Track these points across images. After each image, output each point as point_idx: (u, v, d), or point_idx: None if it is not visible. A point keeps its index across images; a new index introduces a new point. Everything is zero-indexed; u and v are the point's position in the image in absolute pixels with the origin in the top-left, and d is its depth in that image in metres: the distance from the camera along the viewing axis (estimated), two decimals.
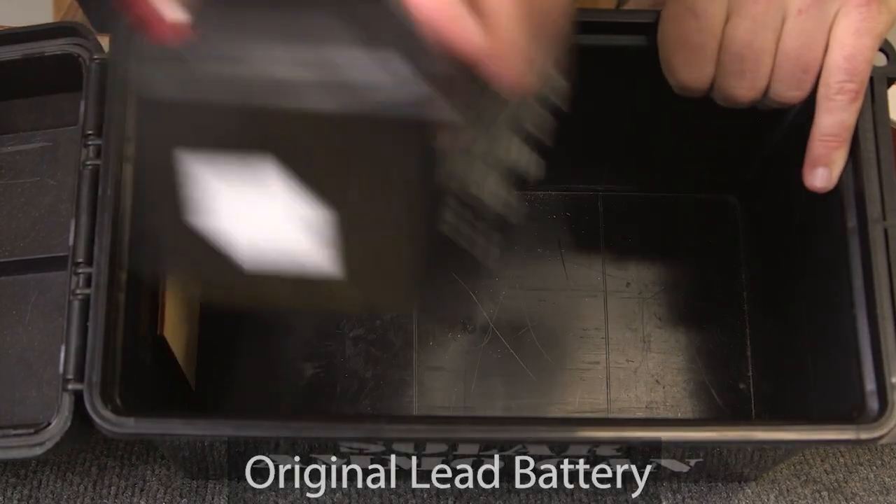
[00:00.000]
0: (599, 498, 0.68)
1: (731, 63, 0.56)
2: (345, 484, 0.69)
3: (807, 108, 0.61)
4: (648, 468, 0.65)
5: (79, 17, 0.85)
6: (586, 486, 0.69)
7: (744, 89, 0.57)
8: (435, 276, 0.72)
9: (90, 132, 0.58)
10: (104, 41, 0.60)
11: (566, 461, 0.64)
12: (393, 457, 0.63)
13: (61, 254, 0.59)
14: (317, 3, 0.45)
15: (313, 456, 0.63)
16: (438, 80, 0.44)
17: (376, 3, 0.44)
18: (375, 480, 0.68)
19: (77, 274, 0.56)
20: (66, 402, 0.54)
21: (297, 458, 0.64)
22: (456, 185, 0.53)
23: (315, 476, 0.68)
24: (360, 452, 0.61)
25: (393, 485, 0.68)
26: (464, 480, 0.68)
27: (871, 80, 0.61)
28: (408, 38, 0.44)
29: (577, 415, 0.71)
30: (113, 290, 0.56)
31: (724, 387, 0.72)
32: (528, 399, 0.71)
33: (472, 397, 0.71)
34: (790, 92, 0.57)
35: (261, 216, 0.47)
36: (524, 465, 0.65)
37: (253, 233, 0.48)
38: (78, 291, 0.56)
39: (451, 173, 0.52)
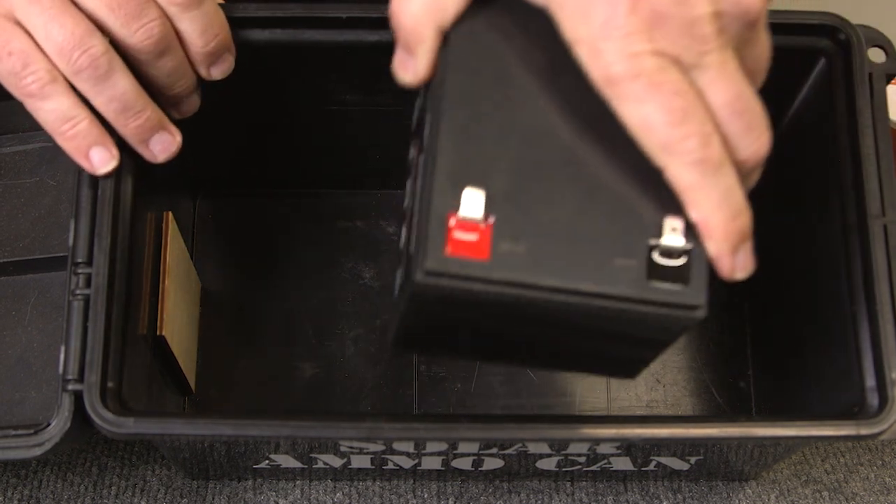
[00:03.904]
0: (600, 497, 0.68)
1: None
2: (345, 484, 0.69)
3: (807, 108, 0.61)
4: (649, 466, 0.66)
5: None
6: (586, 485, 0.69)
7: None
8: None
9: None
10: None
11: (566, 460, 0.64)
12: (393, 456, 0.63)
13: (61, 254, 0.59)
14: None
15: (313, 456, 0.63)
16: None
17: None
18: (375, 480, 0.68)
19: (77, 274, 0.56)
20: (66, 402, 0.54)
21: (297, 458, 0.64)
22: None
23: (315, 476, 0.68)
24: (361, 452, 0.61)
25: (393, 485, 0.69)
26: (464, 480, 0.68)
27: (871, 76, 0.61)
28: None
29: (577, 412, 0.71)
30: (112, 291, 0.56)
31: (724, 385, 0.72)
32: (527, 399, 0.71)
33: (472, 397, 0.71)
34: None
35: None
36: (524, 463, 0.65)
37: None
38: (78, 292, 0.55)
39: None
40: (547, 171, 0.47)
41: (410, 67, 0.50)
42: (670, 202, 0.47)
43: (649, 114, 0.45)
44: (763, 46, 0.49)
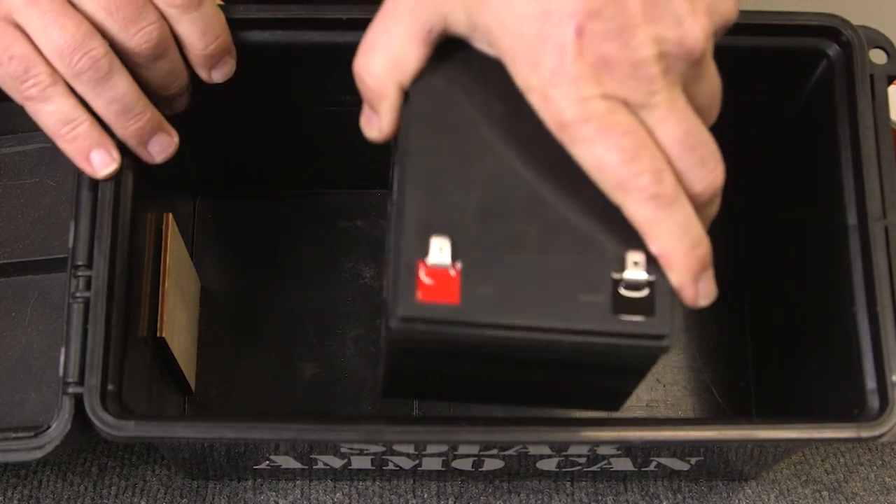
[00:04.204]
0: (599, 497, 0.68)
1: None
2: (345, 484, 0.69)
3: (808, 110, 0.61)
4: (649, 466, 0.66)
5: None
6: (586, 485, 0.69)
7: None
8: None
9: None
10: None
11: (566, 460, 0.64)
12: (393, 457, 0.63)
13: (61, 255, 0.59)
14: None
15: (314, 457, 0.63)
16: None
17: None
18: (375, 480, 0.69)
19: (77, 277, 0.56)
20: (67, 405, 0.54)
21: (297, 459, 0.64)
22: None
23: (315, 476, 0.68)
24: (361, 453, 0.61)
25: (393, 485, 0.69)
26: (464, 480, 0.68)
27: (872, 77, 0.61)
28: None
29: (577, 415, 0.71)
30: (112, 293, 0.56)
31: (724, 385, 0.72)
32: None
33: None
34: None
35: None
36: (524, 464, 0.65)
37: None
38: (78, 294, 0.55)
39: None
40: (510, 215, 0.49)
41: (375, 124, 0.52)
42: (631, 236, 0.48)
43: (602, 155, 0.47)
44: (711, 81, 0.50)
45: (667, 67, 0.47)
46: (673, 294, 0.49)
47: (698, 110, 0.49)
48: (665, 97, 0.47)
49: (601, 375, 0.52)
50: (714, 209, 0.51)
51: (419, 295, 0.47)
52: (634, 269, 0.48)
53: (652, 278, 0.48)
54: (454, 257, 0.48)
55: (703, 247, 0.49)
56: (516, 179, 0.49)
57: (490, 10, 0.48)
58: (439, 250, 0.48)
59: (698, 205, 0.49)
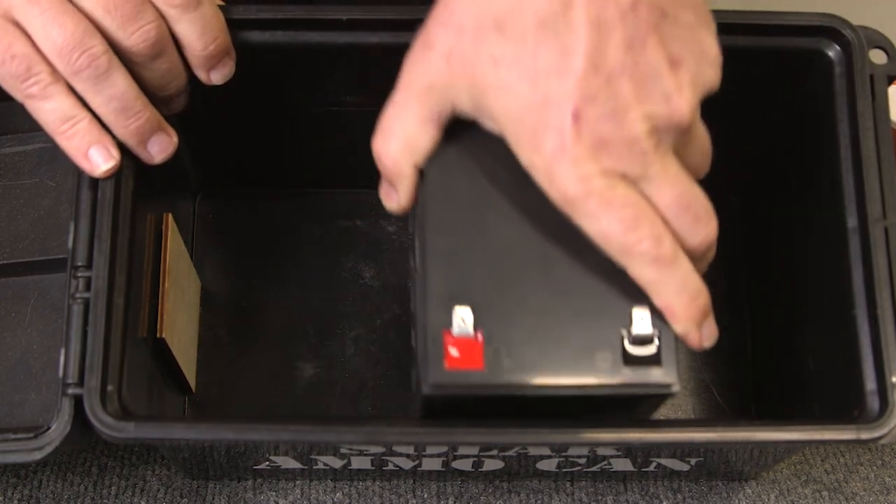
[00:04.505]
0: (599, 497, 0.68)
1: None
2: (345, 484, 0.69)
3: (808, 110, 0.61)
4: (649, 466, 0.66)
5: None
6: (586, 485, 0.69)
7: None
8: None
9: None
10: None
11: (566, 461, 0.64)
12: (393, 457, 0.63)
13: (60, 256, 0.59)
14: None
15: (313, 457, 0.63)
16: None
17: None
18: (375, 480, 0.69)
19: (76, 277, 0.56)
20: (66, 406, 0.54)
21: (297, 459, 0.64)
22: None
23: (315, 476, 0.68)
24: (361, 453, 0.61)
25: (393, 485, 0.69)
26: (464, 480, 0.68)
27: (872, 78, 0.61)
28: None
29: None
30: (112, 294, 0.56)
31: (724, 385, 0.72)
32: None
33: None
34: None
35: None
36: (524, 464, 0.65)
37: None
38: (77, 295, 0.55)
39: None
40: (525, 281, 0.53)
41: (394, 199, 0.56)
42: (636, 293, 0.52)
43: (605, 226, 0.51)
44: (700, 142, 0.54)
45: (658, 141, 0.51)
46: (677, 342, 0.53)
47: (690, 168, 0.53)
48: (659, 167, 0.51)
49: (616, 409, 0.57)
50: (710, 256, 0.54)
51: (447, 364, 0.52)
52: (640, 323, 0.53)
53: (657, 332, 0.53)
54: (476, 325, 0.52)
55: (703, 297, 0.53)
56: (527, 247, 0.54)
57: (492, 97, 0.52)
58: (462, 321, 0.52)
59: (695, 256, 0.53)
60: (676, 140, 0.52)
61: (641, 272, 0.52)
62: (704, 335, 0.54)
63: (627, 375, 0.52)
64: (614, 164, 0.50)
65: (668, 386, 0.53)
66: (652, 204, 0.51)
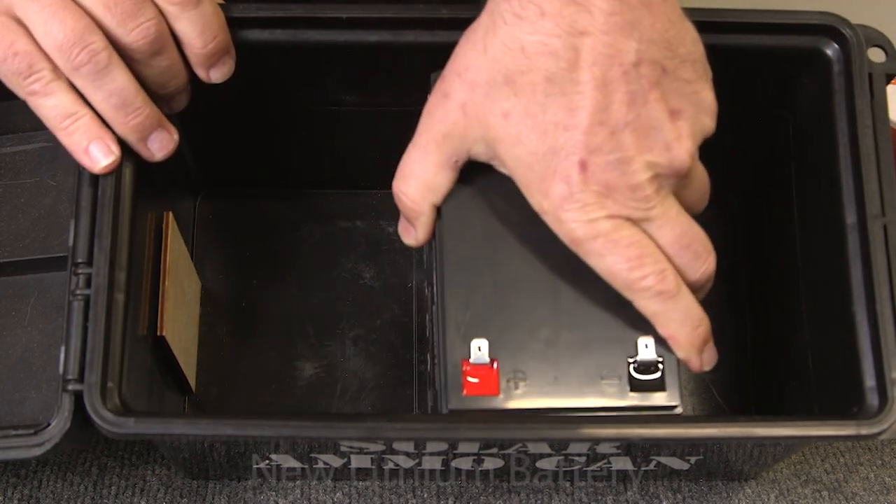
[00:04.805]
0: (599, 497, 0.68)
1: None
2: (345, 483, 0.69)
3: (807, 108, 0.61)
4: (649, 466, 0.66)
5: None
6: (586, 485, 0.69)
7: None
8: None
9: None
10: None
11: (566, 459, 0.64)
12: (393, 456, 0.63)
13: (61, 254, 0.59)
14: None
15: (313, 456, 0.63)
16: None
17: None
18: (375, 479, 0.68)
19: (77, 275, 0.56)
20: (66, 402, 0.54)
21: (297, 458, 0.64)
22: None
23: (315, 476, 0.68)
24: (361, 452, 0.61)
25: (393, 484, 0.69)
26: (464, 479, 0.68)
27: (871, 76, 0.61)
28: None
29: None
30: (112, 291, 0.56)
31: (724, 385, 0.72)
32: None
33: None
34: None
35: None
36: (524, 463, 0.65)
37: None
38: (78, 292, 0.56)
39: None
40: (537, 313, 0.57)
41: (412, 234, 0.60)
42: (639, 323, 0.57)
43: (612, 264, 0.55)
44: (698, 183, 0.58)
45: (659, 186, 0.55)
46: (679, 369, 0.57)
47: (690, 206, 0.57)
48: (660, 210, 0.55)
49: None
50: (709, 286, 0.58)
51: (465, 391, 0.56)
52: (645, 351, 0.57)
53: (661, 358, 0.57)
54: (492, 354, 0.56)
55: (704, 326, 0.57)
56: (538, 281, 0.58)
57: (504, 147, 0.55)
58: (478, 350, 0.56)
59: (696, 288, 0.57)
60: (676, 183, 0.56)
61: (646, 305, 0.56)
62: (705, 360, 0.58)
63: (633, 399, 0.57)
64: (619, 208, 0.54)
65: (672, 408, 0.57)
66: (655, 242, 0.55)
